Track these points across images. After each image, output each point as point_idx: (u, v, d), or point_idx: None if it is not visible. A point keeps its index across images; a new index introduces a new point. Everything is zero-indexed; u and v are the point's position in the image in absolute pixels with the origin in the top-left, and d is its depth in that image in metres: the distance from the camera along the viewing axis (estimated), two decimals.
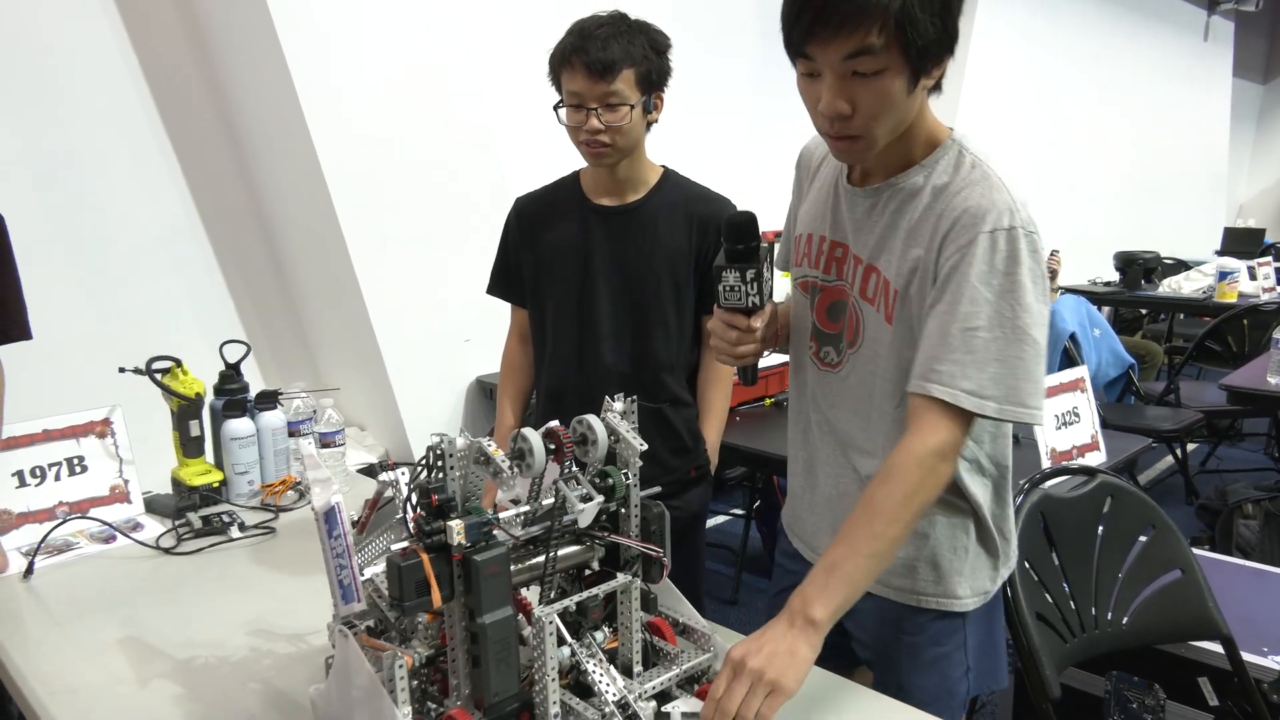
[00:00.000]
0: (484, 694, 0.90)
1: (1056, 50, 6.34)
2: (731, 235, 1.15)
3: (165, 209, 2.76)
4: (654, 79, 1.57)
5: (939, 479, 1.06)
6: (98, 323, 2.60)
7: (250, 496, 1.80)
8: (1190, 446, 4.36)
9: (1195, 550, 1.65)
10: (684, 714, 0.98)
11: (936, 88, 1.07)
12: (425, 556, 0.87)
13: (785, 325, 1.36)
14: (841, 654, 1.38)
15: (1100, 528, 1.60)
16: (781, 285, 1.30)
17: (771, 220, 1.43)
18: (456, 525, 0.87)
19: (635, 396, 1.06)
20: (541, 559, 1.00)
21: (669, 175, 1.70)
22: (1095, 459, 2.13)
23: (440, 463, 0.91)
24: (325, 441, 1.94)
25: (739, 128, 4.33)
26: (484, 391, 3.11)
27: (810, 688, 1.11)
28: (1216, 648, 1.62)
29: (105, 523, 1.64)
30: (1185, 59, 8.27)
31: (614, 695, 0.94)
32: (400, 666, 0.89)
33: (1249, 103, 10.36)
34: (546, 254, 1.71)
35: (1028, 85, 6.03)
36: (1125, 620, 1.57)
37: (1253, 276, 5.19)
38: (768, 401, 2.73)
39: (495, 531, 0.93)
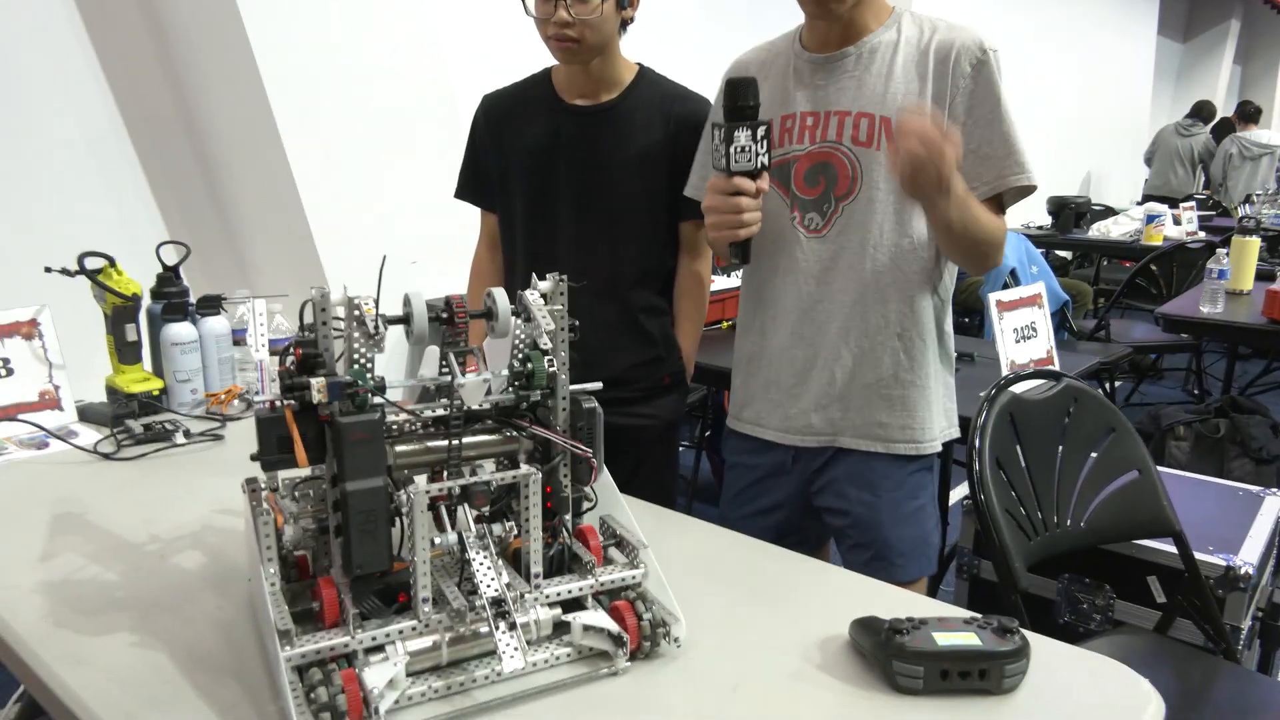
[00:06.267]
0: (347, 566, 0.85)
1: None
2: (734, 93, 1.11)
3: (87, 112, 2.57)
4: None
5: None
6: (14, 231, 2.42)
7: (194, 406, 1.70)
8: (1115, 384, 4.52)
9: None
10: (585, 625, 0.90)
11: None
12: (290, 413, 0.84)
13: None
14: (808, 536, 1.45)
15: (1064, 431, 1.63)
16: None
17: None
18: (317, 383, 0.82)
19: (565, 276, 0.95)
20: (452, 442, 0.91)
21: (645, 73, 1.63)
22: None
23: (314, 317, 0.86)
24: (274, 349, 1.84)
25: (720, 27, 4.24)
26: None
27: (784, 571, 1.11)
28: (1166, 547, 1.68)
29: (39, 425, 1.53)
30: (1116, 11, 8.44)
31: (492, 591, 0.85)
32: (266, 524, 0.87)
33: (1170, 60, 10.67)
34: (515, 155, 1.63)
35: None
36: (1083, 521, 1.61)
37: (1177, 222, 5.37)
38: (725, 324, 2.72)
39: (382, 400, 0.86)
